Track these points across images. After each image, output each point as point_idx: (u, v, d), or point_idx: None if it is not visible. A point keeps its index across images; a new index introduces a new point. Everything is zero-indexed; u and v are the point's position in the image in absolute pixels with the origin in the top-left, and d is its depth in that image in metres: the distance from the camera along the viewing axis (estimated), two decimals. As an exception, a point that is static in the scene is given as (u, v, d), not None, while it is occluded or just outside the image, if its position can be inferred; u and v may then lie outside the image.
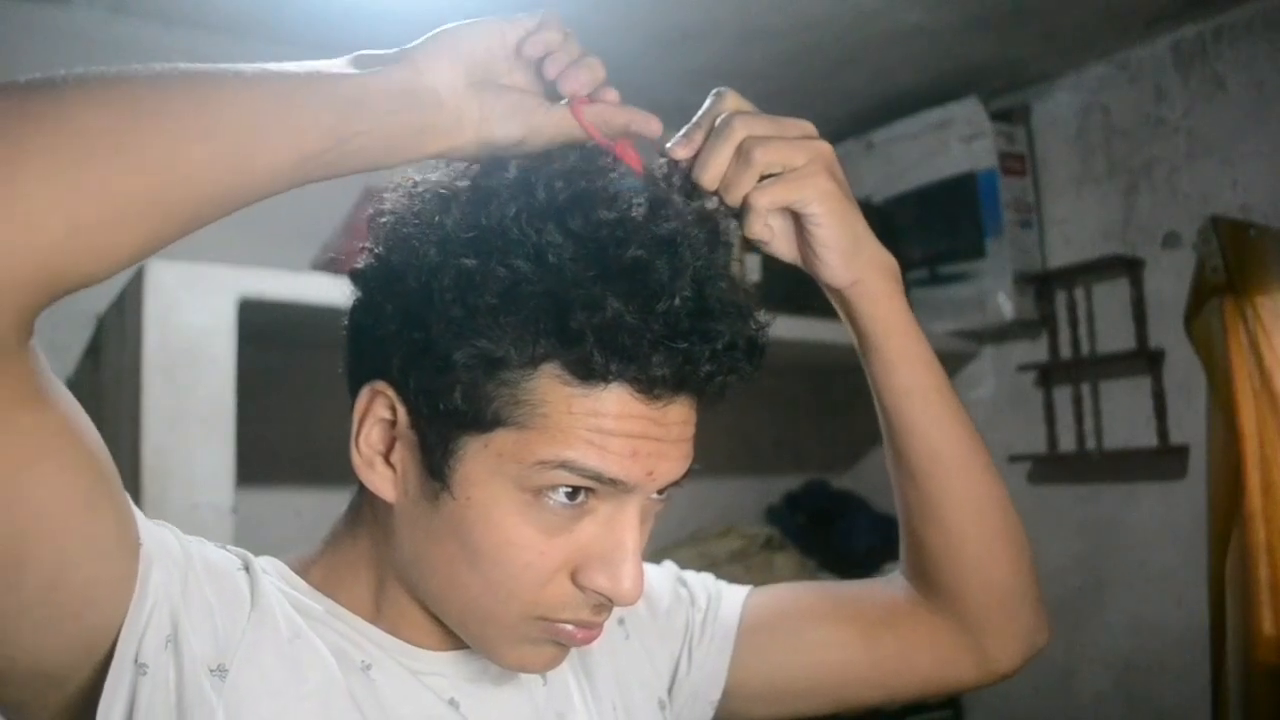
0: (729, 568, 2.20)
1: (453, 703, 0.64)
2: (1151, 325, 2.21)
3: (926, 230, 2.47)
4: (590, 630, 0.61)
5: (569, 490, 0.56)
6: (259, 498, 1.89)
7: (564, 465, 0.54)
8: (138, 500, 1.52)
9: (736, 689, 0.77)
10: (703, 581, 0.82)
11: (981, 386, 2.55)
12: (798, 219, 0.68)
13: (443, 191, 0.60)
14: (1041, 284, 2.37)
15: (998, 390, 2.51)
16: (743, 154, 0.64)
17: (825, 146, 0.67)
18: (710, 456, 0.66)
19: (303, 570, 0.67)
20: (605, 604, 0.59)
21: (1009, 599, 0.76)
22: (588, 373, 0.54)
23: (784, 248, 0.70)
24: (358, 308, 0.65)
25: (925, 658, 0.77)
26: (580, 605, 0.59)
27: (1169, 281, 2.16)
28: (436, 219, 0.57)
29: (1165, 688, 2.14)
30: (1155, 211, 2.23)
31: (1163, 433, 2.16)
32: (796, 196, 0.65)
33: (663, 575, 0.82)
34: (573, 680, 0.72)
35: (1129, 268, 2.22)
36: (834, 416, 2.75)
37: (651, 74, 2.23)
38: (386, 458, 0.61)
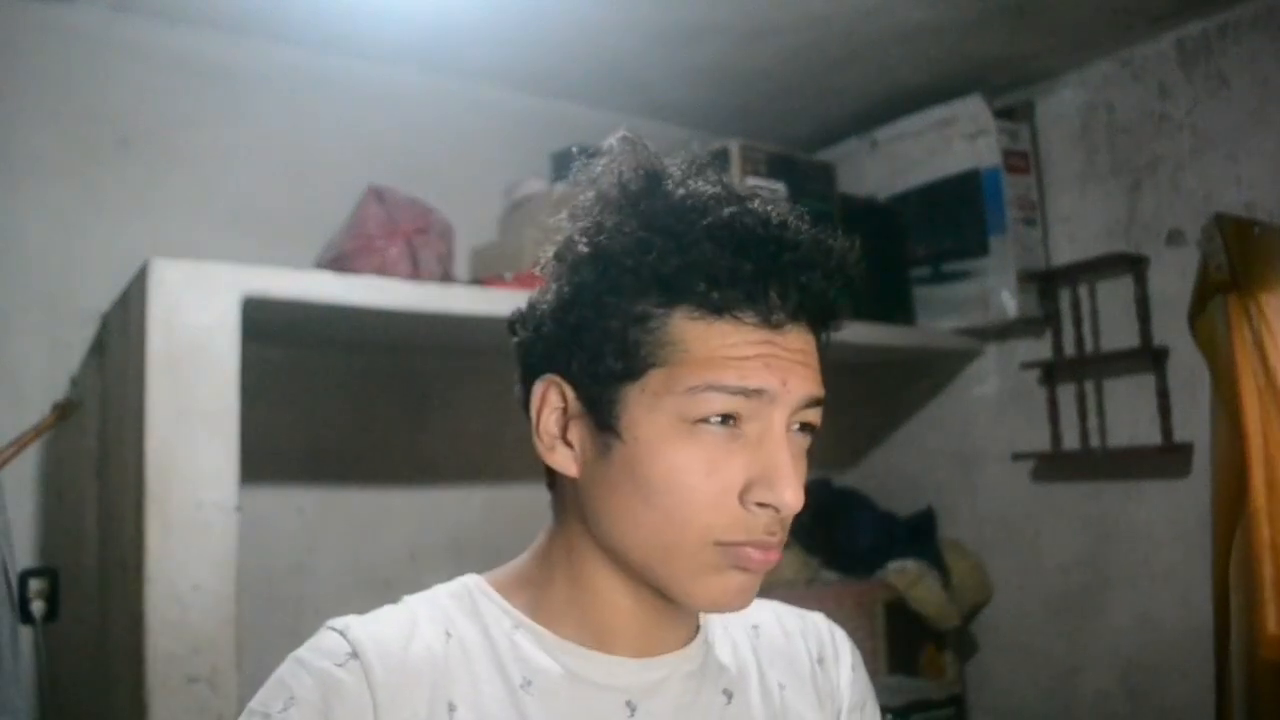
0: (732, 565, 2.20)
1: (630, 705, 0.69)
2: (1155, 323, 2.20)
3: (930, 228, 2.46)
4: (768, 551, 0.65)
5: (719, 417, 0.63)
6: (262, 495, 1.89)
7: (710, 386, 0.62)
8: (141, 499, 1.52)
9: None
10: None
11: (985, 384, 2.55)
12: None
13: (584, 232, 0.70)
14: (1045, 281, 2.37)
15: (1001, 388, 2.51)
16: None
17: None
18: (816, 436, 0.70)
19: (502, 586, 0.73)
20: (774, 521, 0.65)
21: None
22: (713, 309, 0.63)
23: None
24: (527, 341, 0.72)
25: None
26: (752, 525, 0.64)
27: (1173, 279, 2.15)
28: (589, 238, 0.68)
29: (1169, 685, 2.13)
30: (1159, 209, 2.22)
31: (1166, 431, 2.16)
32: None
33: (861, 683, 0.84)
34: (761, 708, 0.75)
35: (1133, 265, 2.22)
36: (837, 415, 2.75)
37: (654, 72, 2.23)
38: (564, 439, 0.68)
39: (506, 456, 2.23)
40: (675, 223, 0.65)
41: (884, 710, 0.81)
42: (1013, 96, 2.47)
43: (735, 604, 0.67)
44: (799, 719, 0.76)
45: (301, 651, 0.66)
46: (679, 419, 0.63)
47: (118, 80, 1.96)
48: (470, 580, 0.73)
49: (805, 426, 0.68)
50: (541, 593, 0.70)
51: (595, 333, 0.65)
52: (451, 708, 0.64)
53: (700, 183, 0.68)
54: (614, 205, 0.68)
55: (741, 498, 0.64)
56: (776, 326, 0.64)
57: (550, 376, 0.68)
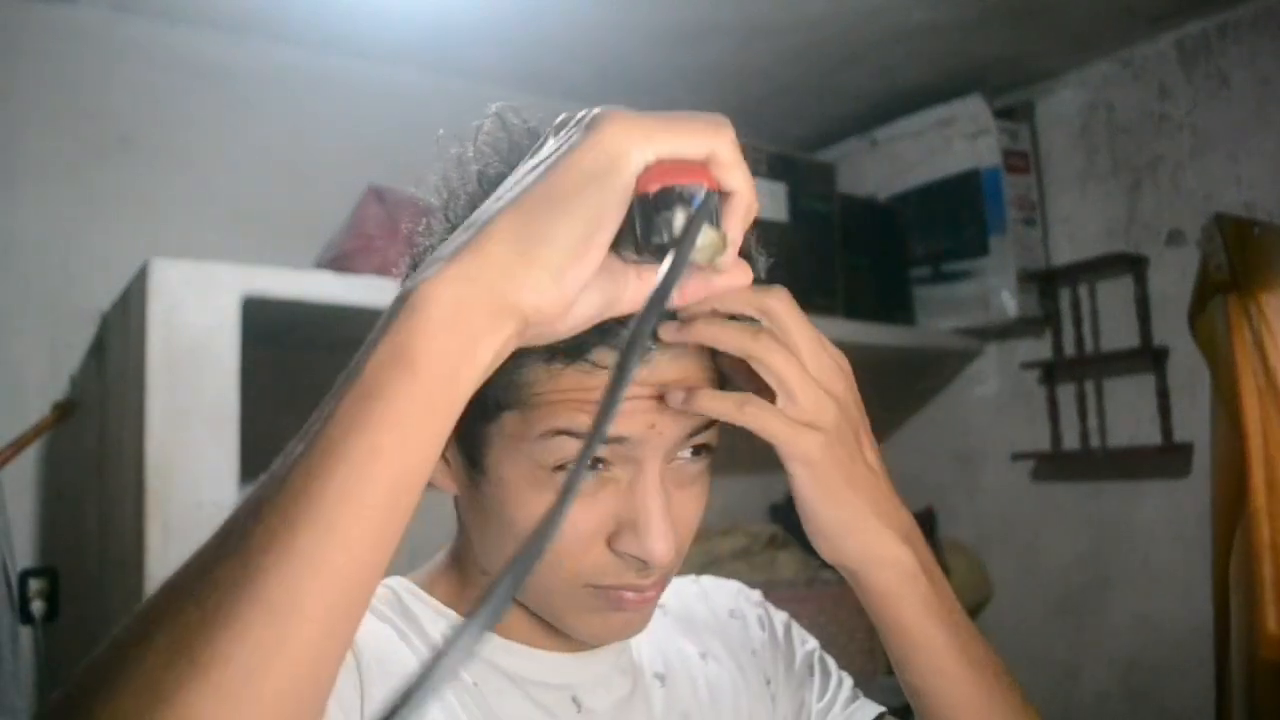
0: (732, 565, 2.20)
1: (575, 701, 0.68)
2: (1155, 323, 2.20)
3: (930, 228, 2.46)
4: (643, 594, 0.63)
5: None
6: (262, 496, 1.89)
7: (561, 432, 0.58)
8: (141, 499, 1.52)
9: None
10: (840, 678, 0.82)
11: (985, 384, 2.55)
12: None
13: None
14: (1045, 281, 2.37)
15: (1001, 388, 2.51)
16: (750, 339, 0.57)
17: (845, 397, 0.59)
18: (714, 455, 0.67)
19: (429, 586, 0.71)
20: (644, 566, 0.61)
21: None
22: (564, 350, 0.57)
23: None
24: None
25: None
26: (622, 570, 0.61)
27: (1173, 279, 2.15)
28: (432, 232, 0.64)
29: (1169, 685, 2.13)
30: (1159, 209, 2.22)
31: (1166, 430, 2.16)
32: (777, 443, 0.57)
33: (801, 646, 0.83)
34: (705, 691, 0.75)
35: (1133, 265, 2.22)
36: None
37: (654, 72, 2.23)
38: (444, 455, 0.65)
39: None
40: None
41: (884, 710, 0.80)
42: (1013, 96, 2.47)
43: (620, 637, 0.67)
44: (729, 684, 0.76)
45: None
46: (537, 463, 0.59)
47: (118, 80, 1.96)
48: (395, 582, 0.71)
49: (699, 449, 0.62)
50: (469, 592, 0.69)
51: None
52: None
53: None
54: (461, 210, 0.61)
55: (610, 543, 0.60)
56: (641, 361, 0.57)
57: None
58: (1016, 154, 2.38)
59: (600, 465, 0.59)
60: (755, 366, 0.57)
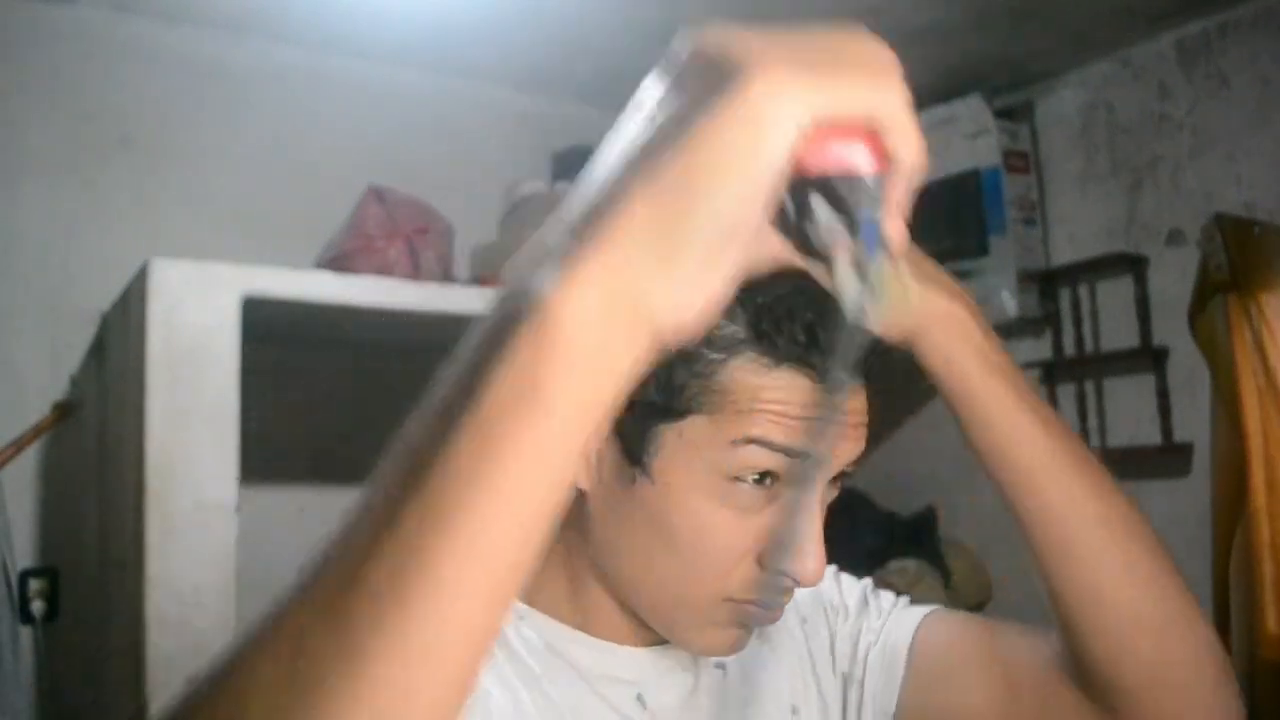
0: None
1: (640, 699, 0.67)
2: (1155, 323, 2.20)
3: (930, 228, 2.45)
4: (774, 611, 0.63)
5: (757, 475, 0.58)
6: (263, 495, 1.89)
7: (754, 441, 0.57)
8: (141, 499, 1.52)
9: (905, 708, 0.75)
10: (891, 596, 0.81)
11: (985, 384, 2.55)
12: None
13: None
14: (1045, 282, 2.37)
15: (1001, 388, 2.51)
16: None
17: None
18: None
19: None
20: (790, 586, 0.61)
21: (1158, 688, 0.65)
22: (773, 362, 0.57)
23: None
24: None
25: None
26: (766, 586, 0.61)
27: (1173, 279, 2.15)
28: None
29: (1169, 686, 2.13)
30: (1159, 209, 2.22)
31: (1166, 431, 2.16)
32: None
33: (853, 588, 0.82)
34: (765, 673, 0.74)
35: (1133, 265, 2.22)
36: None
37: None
38: None
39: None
40: None
41: (935, 607, 0.79)
42: (1013, 97, 2.47)
43: (728, 653, 0.66)
44: (780, 663, 0.75)
45: None
46: (715, 472, 0.58)
47: (118, 80, 1.96)
48: None
49: (838, 476, 0.63)
50: (538, 580, 0.66)
51: None
52: (487, 694, 0.61)
53: None
54: None
55: (760, 559, 0.60)
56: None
57: None
58: (1016, 154, 2.38)
59: (769, 480, 0.59)
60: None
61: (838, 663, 0.77)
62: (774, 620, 0.64)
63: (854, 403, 0.61)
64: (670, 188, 0.34)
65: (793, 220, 0.37)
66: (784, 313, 0.57)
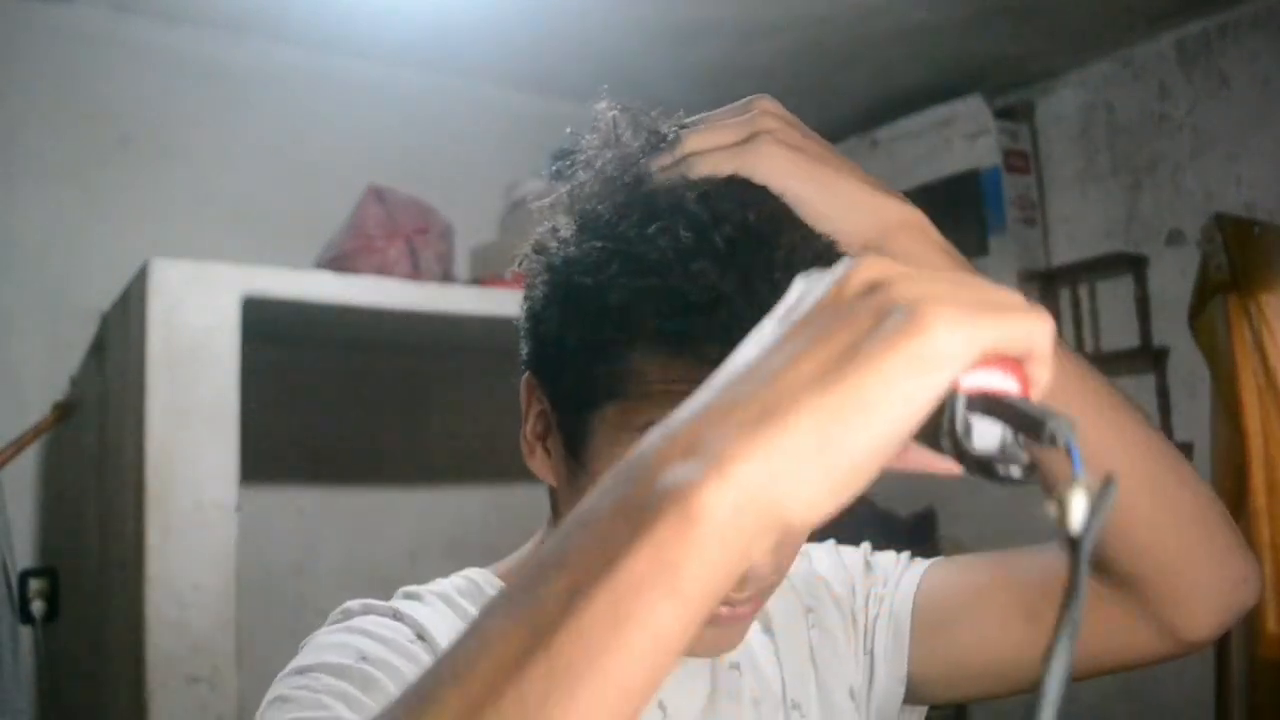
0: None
1: (661, 705, 0.66)
2: (1155, 323, 2.20)
3: (930, 228, 2.46)
4: (737, 609, 0.61)
5: None
6: (262, 495, 1.89)
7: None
8: (141, 499, 1.52)
9: (918, 668, 0.75)
10: (893, 556, 0.80)
11: (985, 384, 2.55)
12: None
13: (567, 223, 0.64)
14: (1045, 281, 2.37)
15: (1001, 388, 2.51)
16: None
17: (766, 108, 0.64)
18: None
19: (505, 575, 0.69)
20: (740, 582, 0.57)
21: (1185, 570, 0.67)
22: (676, 341, 0.56)
23: None
24: (520, 331, 0.68)
25: (1094, 636, 0.66)
26: None
27: (1173, 279, 2.15)
28: (560, 244, 0.63)
29: (1168, 685, 2.13)
30: (1159, 209, 2.22)
31: (1166, 430, 2.16)
32: (732, 167, 0.61)
33: (853, 558, 0.81)
34: (776, 675, 0.73)
35: (1133, 265, 2.22)
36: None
37: (654, 71, 2.23)
38: (544, 443, 0.65)
39: (506, 456, 2.22)
40: (638, 234, 0.58)
41: (937, 559, 0.79)
42: (1013, 97, 2.47)
43: (712, 654, 0.65)
44: (794, 653, 0.74)
45: (362, 622, 0.62)
46: None
47: (118, 80, 1.97)
48: (476, 574, 0.70)
49: None
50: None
51: (558, 351, 0.61)
52: None
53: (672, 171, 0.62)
54: (587, 201, 0.62)
55: None
56: None
57: (529, 377, 0.65)
58: (1016, 154, 2.38)
59: None
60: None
61: (859, 637, 0.77)
62: (739, 620, 0.62)
63: None
64: (840, 407, 0.35)
65: (949, 424, 0.38)
66: (674, 290, 0.56)
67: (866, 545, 0.82)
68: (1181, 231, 2.17)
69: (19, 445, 1.72)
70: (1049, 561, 0.72)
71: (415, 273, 1.84)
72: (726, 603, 0.60)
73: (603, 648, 0.35)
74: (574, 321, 0.60)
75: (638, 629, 0.35)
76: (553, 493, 0.67)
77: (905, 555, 0.80)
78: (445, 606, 0.65)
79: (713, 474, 0.35)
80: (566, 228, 0.63)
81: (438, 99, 2.29)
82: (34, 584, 1.70)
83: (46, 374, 1.84)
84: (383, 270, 1.81)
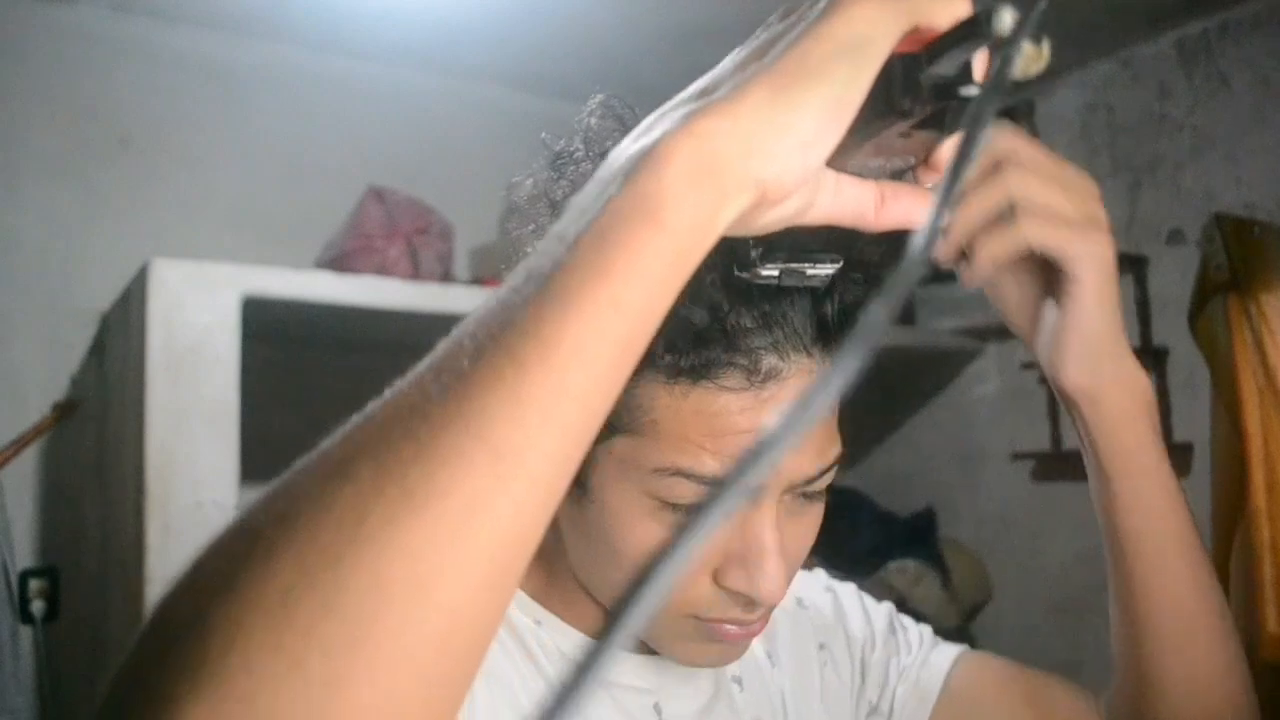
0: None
1: (656, 709, 0.65)
2: (1155, 323, 2.20)
3: (930, 228, 2.46)
4: (747, 628, 0.59)
5: (690, 503, 0.55)
6: (262, 495, 1.89)
7: (679, 473, 0.53)
8: (141, 499, 1.52)
9: None
10: (919, 630, 0.80)
11: (985, 384, 2.55)
12: (1043, 285, 0.60)
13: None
14: (1045, 281, 2.37)
15: (1002, 388, 2.51)
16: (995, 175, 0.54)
17: (1103, 213, 0.56)
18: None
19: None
20: (751, 603, 0.57)
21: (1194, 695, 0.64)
22: (685, 371, 0.52)
23: (1013, 313, 0.62)
24: None
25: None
26: (727, 604, 0.58)
27: (1173, 279, 2.15)
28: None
29: (1169, 686, 2.13)
30: (1159, 209, 2.22)
31: (1166, 430, 2.16)
32: (1062, 249, 0.54)
33: (879, 611, 0.80)
34: (780, 695, 0.72)
35: (1133, 265, 2.22)
36: (838, 413, 2.75)
37: (657, 72, 2.23)
38: None
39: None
40: None
41: (965, 648, 0.78)
42: (1012, 96, 2.47)
43: (717, 665, 0.65)
44: (799, 685, 0.74)
45: None
46: (646, 494, 0.54)
47: (118, 80, 1.97)
48: None
49: (814, 494, 0.58)
50: (549, 584, 0.66)
51: None
52: (516, 700, 0.60)
53: None
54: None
55: (716, 578, 0.57)
56: (771, 377, 0.53)
57: None
58: (1016, 154, 2.38)
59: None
60: (1017, 201, 0.53)
61: (866, 691, 0.76)
62: (749, 638, 0.61)
63: (792, 395, 0.54)
64: (789, 70, 0.39)
65: (899, 84, 0.41)
66: (682, 317, 0.51)
67: (891, 606, 0.81)
68: (1181, 231, 2.17)
69: (19, 445, 1.72)
70: (1080, 702, 0.71)
71: (415, 273, 1.84)
72: (735, 621, 0.59)
73: (588, 274, 0.36)
74: None
75: (625, 254, 0.36)
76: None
77: (929, 631, 0.79)
78: None
79: (679, 131, 0.38)
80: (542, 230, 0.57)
81: (438, 99, 2.29)
82: (34, 584, 1.70)
83: (46, 374, 1.84)
84: (383, 270, 1.81)
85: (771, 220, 0.42)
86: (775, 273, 0.48)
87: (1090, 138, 2.35)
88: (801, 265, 0.49)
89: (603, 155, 0.56)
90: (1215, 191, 2.12)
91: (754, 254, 0.48)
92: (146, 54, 2.00)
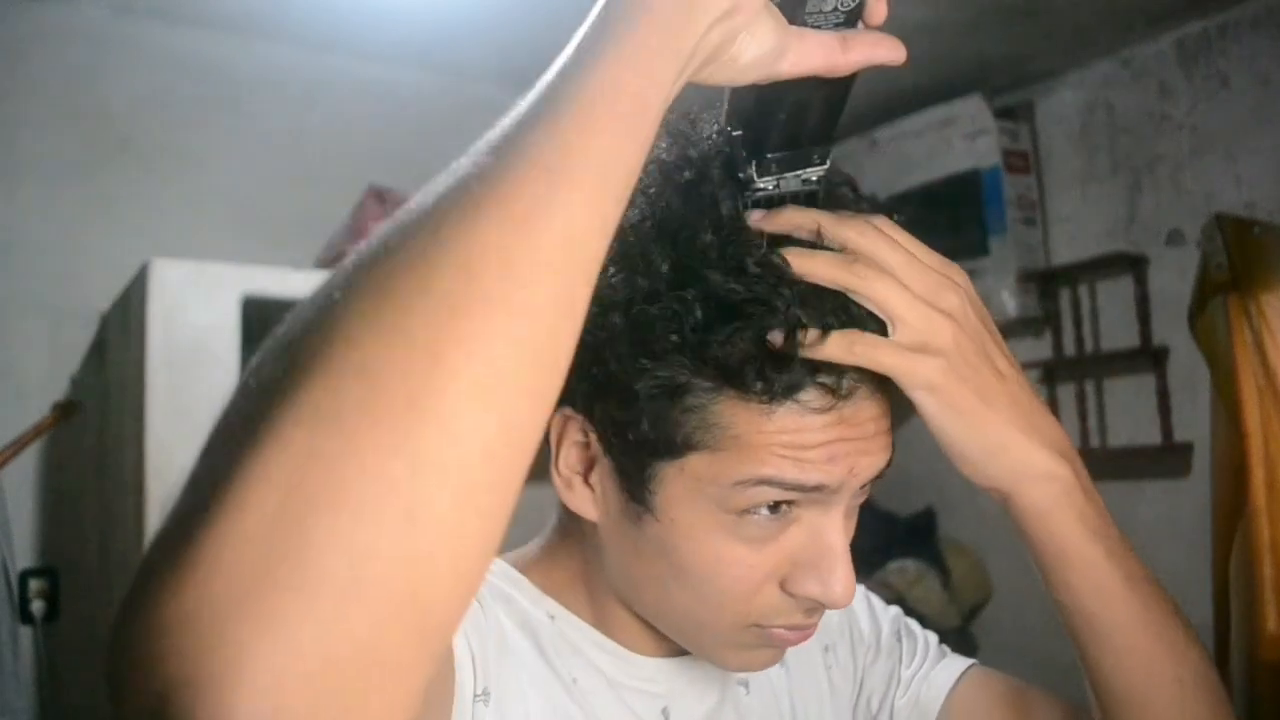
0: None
1: (665, 712, 0.65)
2: (1155, 323, 2.20)
3: (930, 228, 2.41)
4: (803, 631, 0.60)
5: (771, 504, 0.55)
6: (263, 496, 1.89)
7: (763, 482, 0.54)
8: (141, 499, 1.52)
9: None
10: (925, 637, 0.79)
11: (985, 384, 2.55)
12: None
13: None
14: (1045, 281, 2.37)
15: (1001, 388, 2.51)
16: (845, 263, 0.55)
17: (959, 311, 0.56)
18: None
19: (524, 570, 0.67)
20: (817, 607, 0.58)
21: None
22: (764, 392, 0.53)
23: None
24: None
25: None
26: (792, 610, 0.58)
27: (1173, 279, 2.15)
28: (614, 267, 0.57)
29: (1169, 686, 2.14)
30: (1159, 209, 2.22)
31: (1166, 430, 2.16)
32: (893, 375, 0.54)
33: (886, 614, 0.80)
34: (787, 698, 0.72)
35: (1133, 265, 2.22)
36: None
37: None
38: (585, 478, 0.60)
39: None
40: (721, 276, 0.53)
41: (973, 663, 0.78)
42: (1013, 96, 2.47)
43: (764, 668, 0.65)
44: (803, 690, 0.74)
45: None
46: (723, 508, 0.55)
47: (118, 80, 1.97)
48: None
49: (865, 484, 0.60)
50: (561, 582, 0.65)
51: (624, 394, 0.55)
52: (524, 695, 0.60)
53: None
54: (651, 230, 0.56)
55: (785, 585, 0.57)
56: (848, 395, 0.54)
57: (569, 411, 0.59)
58: (1016, 154, 2.38)
59: (785, 507, 0.56)
60: (854, 298, 0.54)
61: (865, 700, 0.76)
62: (804, 640, 0.61)
63: (870, 406, 0.56)
64: None
65: None
66: (772, 339, 0.53)
67: (899, 611, 0.81)
68: (1181, 231, 2.17)
69: (19, 445, 1.72)
70: None
71: (415, 273, 1.84)
72: (796, 626, 0.59)
73: (584, 59, 0.44)
74: (647, 364, 0.54)
75: (615, 45, 0.43)
76: (587, 522, 0.62)
77: (934, 639, 0.79)
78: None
79: None
80: (621, 248, 0.57)
81: (438, 99, 2.29)
82: (34, 584, 1.70)
83: (46, 374, 1.84)
84: (383, 270, 1.81)
85: (751, 60, 0.49)
86: (772, 184, 0.54)
87: (1090, 137, 2.35)
88: (794, 173, 0.55)
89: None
90: (1215, 191, 2.12)
91: (751, 170, 0.53)
92: (146, 54, 2.00)
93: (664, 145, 0.58)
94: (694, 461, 0.55)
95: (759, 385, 0.53)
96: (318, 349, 0.34)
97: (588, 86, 0.43)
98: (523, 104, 0.44)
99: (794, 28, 0.50)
